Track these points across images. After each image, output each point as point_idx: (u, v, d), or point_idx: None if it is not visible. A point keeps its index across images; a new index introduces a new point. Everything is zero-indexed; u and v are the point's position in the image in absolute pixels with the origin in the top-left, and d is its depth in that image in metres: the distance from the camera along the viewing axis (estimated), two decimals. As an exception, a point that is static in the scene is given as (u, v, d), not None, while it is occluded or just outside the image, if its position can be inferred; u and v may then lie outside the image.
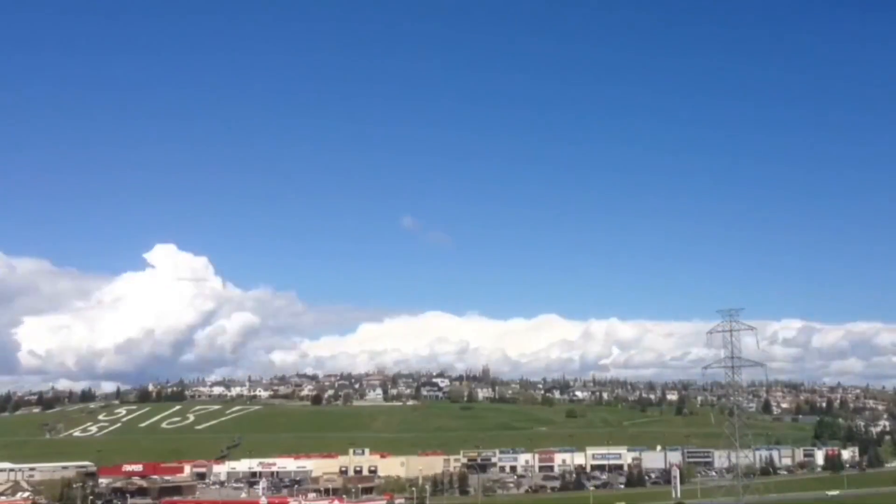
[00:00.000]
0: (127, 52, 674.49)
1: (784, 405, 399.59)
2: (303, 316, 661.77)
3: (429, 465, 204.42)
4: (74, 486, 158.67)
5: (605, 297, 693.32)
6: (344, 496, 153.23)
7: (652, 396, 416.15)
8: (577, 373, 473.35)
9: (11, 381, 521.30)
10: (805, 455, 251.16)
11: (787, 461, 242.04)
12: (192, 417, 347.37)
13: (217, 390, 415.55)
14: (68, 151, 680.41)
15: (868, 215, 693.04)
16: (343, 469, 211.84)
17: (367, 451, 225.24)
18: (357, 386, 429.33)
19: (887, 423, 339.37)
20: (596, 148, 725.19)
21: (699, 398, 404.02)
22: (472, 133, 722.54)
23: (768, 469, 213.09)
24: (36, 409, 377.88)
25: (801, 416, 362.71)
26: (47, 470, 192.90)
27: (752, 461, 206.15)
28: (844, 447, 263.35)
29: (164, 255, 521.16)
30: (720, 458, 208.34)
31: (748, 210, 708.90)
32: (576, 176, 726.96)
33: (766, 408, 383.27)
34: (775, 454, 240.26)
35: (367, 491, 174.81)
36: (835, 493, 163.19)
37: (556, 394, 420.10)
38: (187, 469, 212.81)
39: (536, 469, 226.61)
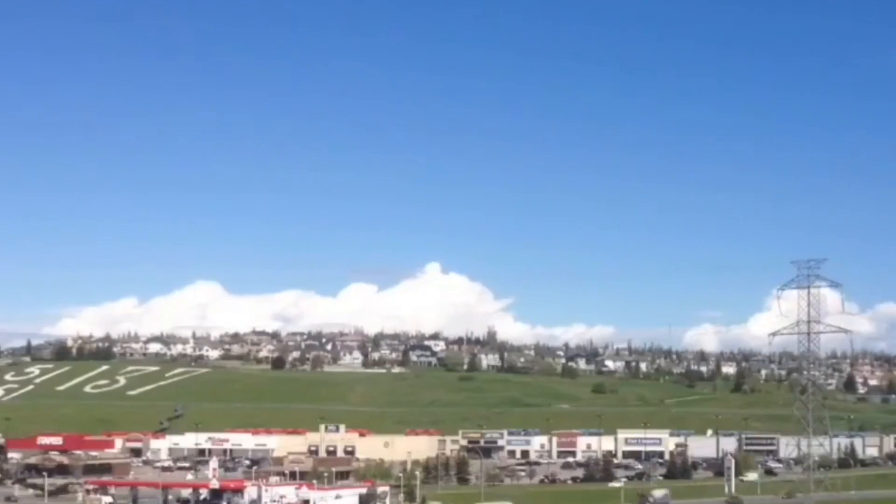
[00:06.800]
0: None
1: (873, 382, 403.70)
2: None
3: (419, 448, 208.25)
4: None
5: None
6: (314, 481, 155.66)
7: (703, 369, 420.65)
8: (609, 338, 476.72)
9: None
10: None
11: (872, 451, 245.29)
12: (122, 381, 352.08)
13: (154, 347, 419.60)
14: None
15: None
16: (312, 449, 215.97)
17: (342, 427, 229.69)
18: (329, 347, 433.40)
19: None
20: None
21: (763, 372, 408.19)
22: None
23: (848, 461, 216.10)
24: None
25: (893, 396, 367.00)
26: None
27: (829, 451, 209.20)
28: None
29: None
30: (787, 447, 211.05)
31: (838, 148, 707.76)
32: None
33: (850, 385, 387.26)
34: (858, 442, 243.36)
35: (343, 476, 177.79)
36: None
37: (582, 363, 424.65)
38: (118, 444, 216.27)
39: (554, 455, 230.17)
